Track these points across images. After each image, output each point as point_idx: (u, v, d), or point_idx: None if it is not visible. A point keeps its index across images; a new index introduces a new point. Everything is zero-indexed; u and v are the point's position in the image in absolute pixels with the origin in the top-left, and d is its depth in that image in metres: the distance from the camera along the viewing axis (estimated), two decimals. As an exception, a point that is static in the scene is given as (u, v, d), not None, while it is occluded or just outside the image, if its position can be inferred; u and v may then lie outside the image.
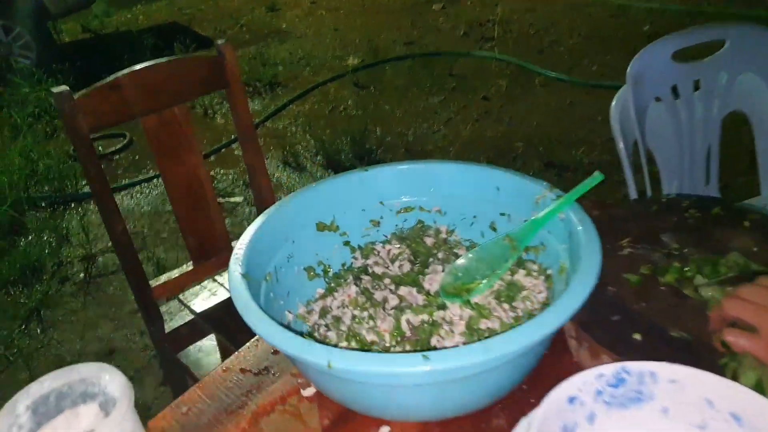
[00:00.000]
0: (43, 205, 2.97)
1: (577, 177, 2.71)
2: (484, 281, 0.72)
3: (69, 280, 2.44)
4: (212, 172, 3.15)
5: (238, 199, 2.95)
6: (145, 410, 1.78)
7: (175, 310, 1.55)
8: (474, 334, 0.65)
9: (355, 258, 0.84)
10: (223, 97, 3.73)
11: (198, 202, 1.46)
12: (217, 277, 1.60)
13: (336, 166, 3.01)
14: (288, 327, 0.72)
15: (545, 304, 0.72)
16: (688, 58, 1.45)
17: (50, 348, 2.07)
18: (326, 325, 0.72)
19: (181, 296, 1.58)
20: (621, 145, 1.46)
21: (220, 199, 2.93)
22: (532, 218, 0.73)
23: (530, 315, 0.68)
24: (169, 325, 1.49)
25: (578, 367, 0.69)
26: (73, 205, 3.01)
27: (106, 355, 2.01)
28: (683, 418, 0.56)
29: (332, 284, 0.79)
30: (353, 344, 0.66)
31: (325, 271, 0.82)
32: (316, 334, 0.73)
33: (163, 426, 0.67)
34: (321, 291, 0.80)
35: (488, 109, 3.42)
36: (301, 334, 0.67)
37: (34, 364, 1.99)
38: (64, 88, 1.16)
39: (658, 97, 1.49)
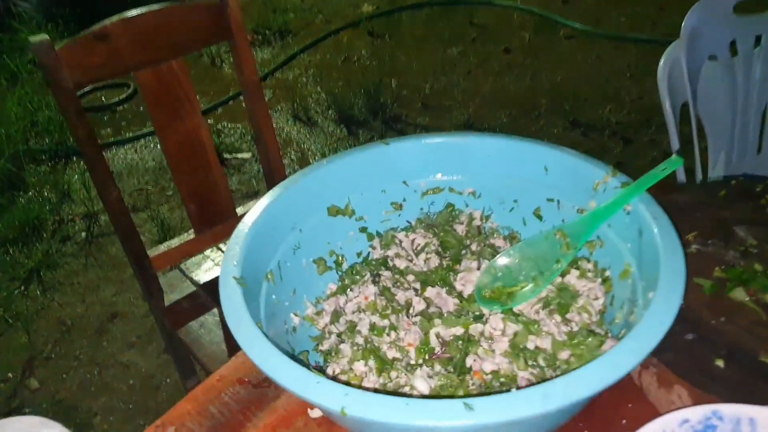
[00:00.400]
0: (43, 158, 2.86)
1: (603, 138, 2.55)
2: (530, 285, 0.60)
3: (70, 239, 2.35)
4: (219, 126, 3.01)
5: (246, 155, 2.82)
6: (148, 379, 1.71)
7: (176, 281, 1.45)
8: (520, 355, 0.54)
9: (373, 247, 0.72)
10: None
11: (199, 166, 1.33)
12: (221, 246, 1.49)
13: (348, 120, 2.86)
14: (294, 332, 0.61)
15: (602, 313, 0.60)
16: (752, 10, 1.28)
17: (50, 311, 1.99)
18: (339, 335, 0.60)
19: (182, 266, 1.47)
20: (668, 107, 1.30)
21: (227, 155, 2.80)
22: (593, 209, 0.60)
23: (588, 331, 0.55)
24: (170, 298, 1.39)
25: (641, 393, 0.57)
26: (75, 158, 2.89)
27: (108, 320, 1.93)
28: (793, 484, 0.44)
29: (346, 280, 0.67)
30: (371, 363, 0.55)
31: (338, 263, 0.70)
32: (326, 344, 0.61)
33: (147, 453, 0.57)
34: (333, 287, 0.68)
35: (510, 62, 3.22)
36: (307, 364, 0.56)
37: (34, 328, 1.92)
38: (43, 37, 1.02)
39: (711, 55, 1.32)
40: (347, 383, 0.54)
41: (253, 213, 0.61)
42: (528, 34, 3.43)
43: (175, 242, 1.40)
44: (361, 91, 2.98)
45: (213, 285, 1.40)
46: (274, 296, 0.60)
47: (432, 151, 0.71)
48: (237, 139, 2.89)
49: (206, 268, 1.45)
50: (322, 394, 0.42)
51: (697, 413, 0.45)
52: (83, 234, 2.38)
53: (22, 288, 2.09)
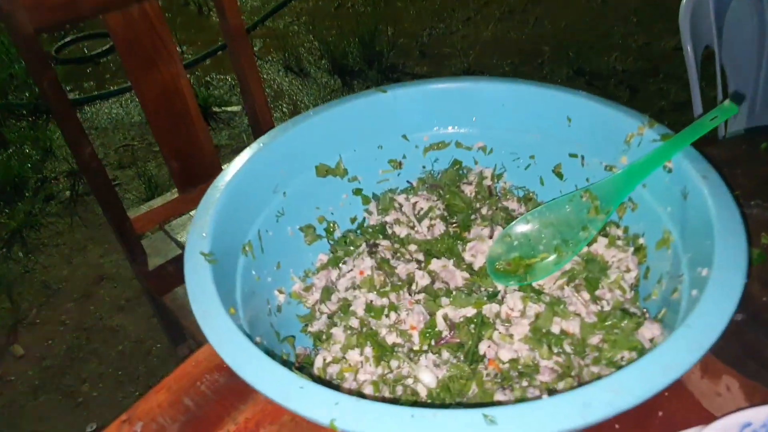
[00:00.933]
0: (23, 113, 2.73)
1: (608, 86, 2.43)
2: (552, 256, 0.52)
3: (54, 198, 2.25)
4: (207, 78, 2.87)
5: (235, 108, 2.69)
6: (138, 344, 1.65)
7: (161, 243, 1.37)
8: (542, 341, 0.45)
9: (368, 213, 0.63)
10: (216, -9, 3.36)
11: (180, 120, 1.23)
12: (207, 205, 1.40)
13: (343, 70, 2.72)
14: (278, 312, 0.53)
15: (635, 287, 0.52)
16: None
17: (34, 274, 1.91)
18: (330, 316, 0.52)
19: (167, 227, 1.39)
20: (690, 51, 1.19)
21: (216, 109, 2.67)
22: (627, 166, 0.51)
23: (622, 311, 0.47)
24: (154, 262, 1.31)
25: (680, 385, 0.49)
26: (57, 113, 2.76)
27: (95, 283, 1.86)
28: None
29: (339, 251, 0.58)
30: (367, 351, 0.47)
31: (329, 231, 0.61)
32: (316, 325, 0.53)
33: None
34: (324, 258, 0.60)
35: (512, 7, 3.05)
36: (291, 364, 0.48)
37: (18, 292, 1.85)
38: (-8, -27, 0.90)
39: (738, -9, 1.20)
40: (339, 378, 0.46)
41: (226, 174, 0.51)
42: (530, -24, 3.25)
43: (157, 202, 1.31)
44: (356, 40, 2.83)
45: (200, 247, 1.32)
46: (253, 272, 0.51)
47: (436, 99, 0.61)
48: (226, 91, 2.76)
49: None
50: (308, 404, 0.34)
51: (759, 415, 0.37)
52: (67, 193, 2.29)
53: (4, 250, 2.01)
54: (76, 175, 2.39)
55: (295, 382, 0.35)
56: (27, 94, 2.90)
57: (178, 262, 1.35)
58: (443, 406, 0.44)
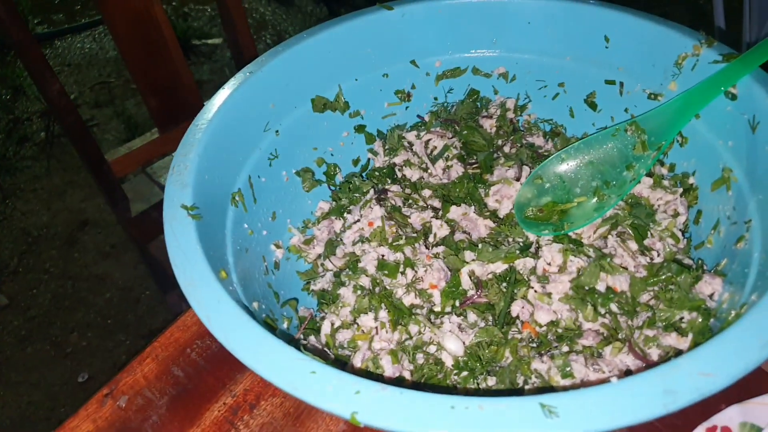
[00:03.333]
0: (-11, 49, 2.56)
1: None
2: (592, 200, 0.45)
3: (28, 140, 2.13)
4: (185, 9, 2.69)
5: (216, 40, 2.54)
6: (126, 292, 1.59)
7: (143, 187, 1.29)
8: (586, 301, 0.39)
9: (374, 153, 0.55)
10: None
11: (156, 52, 1.12)
12: (191, 145, 1.31)
13: (330, -1, 2.56)
14: (276, 270, 0.46)
15: (683, 234, 0.45)
16: None
17: (13, 221, 1.83)
18: (337, 274, 0.45)
19: (148, 170, 1.30)
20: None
21: (196, 41, 2.52)
22: (679, 94, 0.44)
23: (675, 263, 0.41)
24: (137, 207, 1.23)
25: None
26: (26, 49, 2.59)
27: (78, 229, 1.78)
28: None
29: (342, 198, 0.51)
30: (382, 315, 0.40)
31: (330, 175, 0.53)
32: (319, 283, 0.46)
33: (90, 431, 0.43)
34: (325, 206, 0.52)
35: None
36: (291, 337, 0.41)
37: (-4, 239, 1.77)
38: None
39: None
40: (351, 347, 0.40)
41: (208, 111, 0.43)
42: None
43: (137, 143, 1.22)
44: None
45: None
46: (245, 225, 0.44)
47: (451, 16, 0.52)
48: (206, 23, 2.60)
49: (176, 171, 1.28)
50: (323, 393, 0.27)
51: None
52: (42, 134, 2.17)
53: (-21, 196, 1.91)
54: (51, 114, 2.26)
55: (305, 366, 0.28)
56: (-8, 29, 2.71)
57: (161, 207, 1.27)
58: (472, 376, 0.38)
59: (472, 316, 0.40)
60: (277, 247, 0.48)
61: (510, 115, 0.54)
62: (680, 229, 0.44)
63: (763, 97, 0.39)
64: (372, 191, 0.49)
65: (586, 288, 0.39)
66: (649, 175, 0.47)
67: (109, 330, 1.51)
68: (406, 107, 0.56)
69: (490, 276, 0.41)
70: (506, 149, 0.52)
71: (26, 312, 1.56)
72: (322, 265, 0.47)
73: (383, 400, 0.27)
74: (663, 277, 0.39)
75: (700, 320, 0.36)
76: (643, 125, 0.44)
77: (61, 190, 1.94)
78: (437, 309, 0.42)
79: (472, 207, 0.47)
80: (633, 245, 0.42)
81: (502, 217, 0.47)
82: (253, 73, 0.46)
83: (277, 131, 0.49)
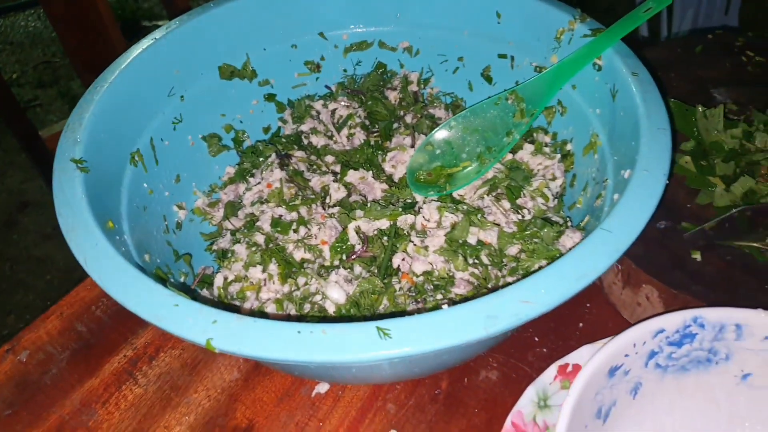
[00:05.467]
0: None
1: None
2: (474, 164, 0.48)
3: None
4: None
5: (166, 22, 2.50)
6: (67, 273, 1.58)
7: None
8: (458, 252, 0.42)
9: (283, 121, 0.57)
10: None
11: (93, 33, 1.11)
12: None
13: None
14: (178, 230, 0.48)
15: (560, 196, 0.49)
16: None
17: (-51, 202, 1.78)
18: (234, 232, 0.48)
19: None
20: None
21: (146, 23, 2.48)
22: (553, 65, 0.47)
23: (543, 220, 0.44)
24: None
25: (601, 294, 0.48)
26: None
27: (17, 210, 1.75)
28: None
29: (247, 163, 0.53)
30: (272, 268, 0.43)
31: (238, 141, 0.55)
32: (222, 243, 0.48)
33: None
34: (231, 171, 0.54)
35: None
36: (179, 286, 0.43)
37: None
38: None
39: None
40: (239, 297, 0.43)
41: (108, 73, 0.45)
42: None
43: (72, 121, 1.20)
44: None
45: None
46: (145, 184, 0.46)
47: (356, -9, 0.55)
48: (156, 3, 2.56)
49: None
50: (182, 323, 0.30)
51: (673, 321, 0.35)
52: (-18, 114, 2.11)
53: None
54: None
55: (168, 300, 0.30)
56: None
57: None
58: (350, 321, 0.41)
59: (358, 269, 0.43)
60: (180, 208, 0.50)
61: (414, 88, 0.57)
62: (557, 192, 0.48)
63: (621, 67, 0.43)
64: (274, 155, 0.51)
65: (459, 241, 0.43)
66: (532, 142, 0.50)
67: (48, 311, 1.49)
68: (316, 78, 0.58)
69: (375, 232, 0.44)
70: (407, 119, 0.55)
71: (-39, 293, 1.53)
72: (224, 226, 0.50)
73: (237, 327, 0.29)
74: (529, 231, 0.43)
75: (554, 268, 0.39)
76: (521, 94, 0.48)
77: (1, 171, 1.90)
78: (327, 264, 0.44)
79: (370, 172, 0.50)
80: (506, 204, 0.45)
81: (396, 180, 0.50)
82: (158, 39, 0.48)
83: (182, 96, 0.50)
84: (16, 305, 1.51)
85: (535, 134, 0.51)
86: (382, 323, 0.29)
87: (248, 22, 0.53)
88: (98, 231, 0.34)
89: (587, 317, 0.46)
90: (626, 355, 0.35)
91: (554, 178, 0.48)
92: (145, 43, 0.48)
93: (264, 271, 0.42)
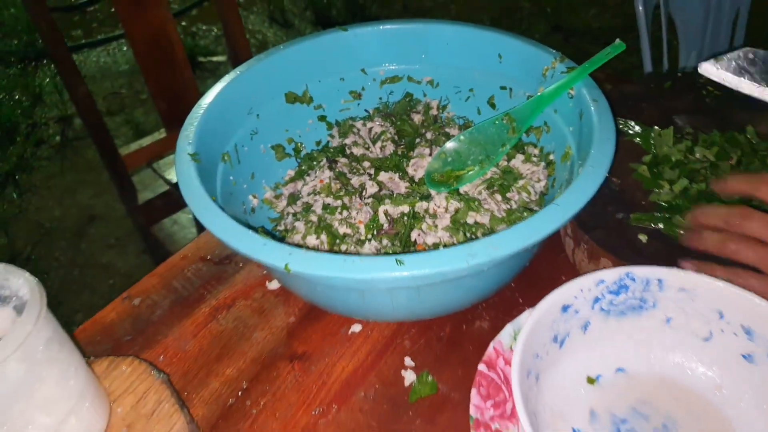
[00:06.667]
0: (11, 60, 2.77)
1: (583, 43, 2.52)
2: (476, 168, 0.63)
3: (45, 143, 2.33)
4: (193, 28, 2.91)
5: (221, 58, 2.75)
6: (127, 278, 1.77)
7: (150, 180, 1.47)
8: (460, 230, 0.57)
9: (331, 136, 0.74)
10: (202, -59, 3.36)
11: (168, 63, 1.31)
12: (193, 146, 1.50)
13: (326, 22, 2.78)
14: (252, 213, 0.64)
15: (543, 194, 0.63)
16: None
17: (28, 214, 2.01)
18: (294, 214, 0.63)
19: (155, 165, 1.49)
20: (640, 7, 1.29)
21: (202, 58, 2.73)
22: (538, 94, 0.62)
23: (525, 208, 0.59)
24: (143, 196, 1.41)
25: (574, 269, 0.62)
26: (45, 61, 2.81)
27: (86, 223, 1.96)
28: (687, 329, 0.49)
29: (304, 166, 0.69)
30: (323, 238, 0.58)
31: (297, 150, 0.72)
32: (283, 223, 0.64)
33: (112, 319, 0.61)
34: (291, 173, 0.70)
35: (495, -37, 3.10)
36: (265, 231, 0.59)
37: (12, 230, 1.94)
38: None
39: (689, -49, 1.29)
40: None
41: (208, 96, 0.62)
42: (515, -67, 3.29)
43: (146, 141, 1.41)
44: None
45: (187, 184, 1.42)
46: (231, 177, 0.62)
47: (390, 37, 0.71)
48: (212, 41, 2.81)
49: (180, 167, 1.46)
50: (268, 254, 0.45)
51: (611, 275, 0.49)
52: (57, 138, 2.36)
53: (-2, 191, 2.09)
54: (66, 120, 2.46)
55: (259, 240, 0.46)
56: (15, 42, 2.93)
57: (165, 197, 1.45)
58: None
59: (385, 241, 0.58)
60: (254, 197, 0.66)
61: (433, 112, 0.73)
62: (540, 191, 0.63)
63: (585, 95, 0.57)
64: (325, 160, 0.67)
65: (461, 222, 0.57)
66: (524, 153, 0.65)
67: (113, 309, 1.68)
68: (358, 104, 0.74)
69: (398, 215, 0.59)
70: (428, 136, 0.70)
71: (38, 293, 1.73)
72: (286, 212, 0.65)
73: (305, 256, 0.44)
74: (513, 216, 0.57)
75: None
76: (513, 116, 0.63)
77: (73, 188, 2.13)
78: (362, 238, 0.59)
79: (397, 174, 0.65)
80: (498, 197, 0.60)
81: (416, 180, 0.65)
82: (242, 72, 0.65)
83: (257, 115, 0.67)
84: (83, 305, 1.70)
85: (526, 147, 0.66)
86: (399, 257, 0.43)
87: (307, 61, 0.69)
88: (208, 199, 0.50)
89: (560, 283, 0.60)
90: (575, 297, 0.49)
91: (539, 180, 0.63)
92: (232, 75, 0.65)
93: (317, 239, 0.58)
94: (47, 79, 2.67)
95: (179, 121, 1.34)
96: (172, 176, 1.44)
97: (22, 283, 0.42)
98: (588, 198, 0.47)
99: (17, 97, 2.58)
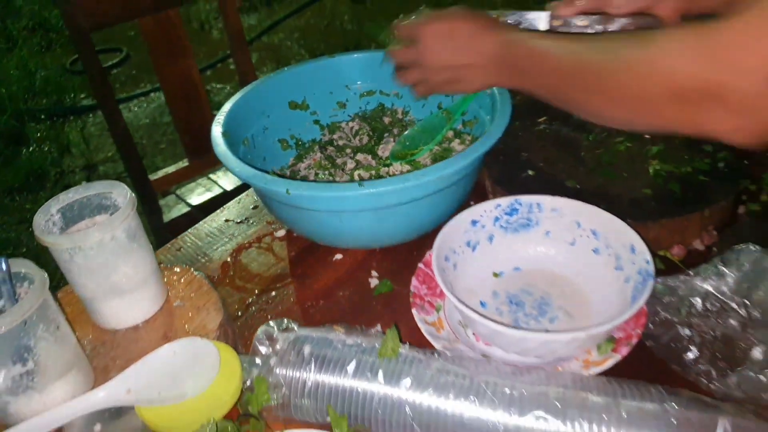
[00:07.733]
0: (42, 117, 3.08)
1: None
2: (425, 147, 0.87)
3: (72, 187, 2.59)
4: (208, 87, 3.24)
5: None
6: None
7: (173, 203, 1.71)
8: (411, 184, 0.81)
9: (323, 135, 0.99)
10: (218, 11, 3.76)
11: (192, 103, 1.59)
12: (211, 176, 1.76)
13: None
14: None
15: (476, 167, 0.87)
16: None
17: (60, 243, 2.24)
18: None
19: (177, 192, 1.73)
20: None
21: (216, 112, 3.03)
22: (462, 98, 0.88)
23: (459, 171, 0.83)
24: (167, 216, 1.65)
25: (497, 215, 0.85)
26: (72, 117, 3.12)
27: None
28: (561, 238, 0.72)
29: (302, 153, 0.94)
30: (314, 192, 0.82)
31: (297, 144, 0.97)
32: (286, 190, 0.88)
33: (161, 258, 0.84)
34: (293, 160, 0.95)
35: (477, 27, 3.45)
36: (275, 172, 0.83)
37: (42, 261, 2.17)
38: (63, -14, 1.27)
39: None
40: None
41: (233, 99, 0.87)
42: None
43: (171, 168, 1.66)
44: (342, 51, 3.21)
45: (205, 206, 1.67)
46: (249, 157, 0.87)
47: (366, 62, 0.97)
48: (225, 97, 3.13)
49: (198, 192, 1.72)
50: (273, 183, 0.69)
51: (505, 201, 0.72)
52: (84, 183, 2.63)
53: (29, 229, 2.33)
54: (91, 168, 2.74)
55: (266, 177, 0.70)
56: (45, 101, 3.26)
57: (187, 216, 1.69)
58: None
59: (358, 195, 0.82)
60: (265, 173, 0.90)
61: (399, 116, 0.98)
62: (473, 164, 0.87)
63: (496, 93, 0.82)
64: (318, 148, 0.92)
65: (412, 179, 0.81)
66: (459, 137, 0.90)
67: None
68: (343, 111, 1.00)
69: (368, 176, 0.83)
70: (394, 132, 0.95)
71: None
72: (288, 183, 0.89)
73: (299, 184, 0.68)
74: (449, 174, 0.81)
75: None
76: (449, 109, 0.88)
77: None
78: (343, 195, 0.83)
79: (370, 155, 0.90)
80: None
81: (383, 158, 0.89)
82: (257, 85, 0.91)
83: (268, 116, 0.92)
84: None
85: (463, 135, 0.91)
86: (361, 182, 0.67)
87: (305, 79, 0.95)
88: (232, 155, 0.74)
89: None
90: (481, 215, 0.71)
91: (472, 157, 0.87)
92: (250, 86, 0.90)
93: (310, 193, 0.82)
94: (73, 133, 2.97)
95: (200, 152, 1.60)
96: (192, 200, 1.69)
97: (118, 193, 0.65)
98: (490, 145, 0.71)
99: (47, 148, 2.87)
